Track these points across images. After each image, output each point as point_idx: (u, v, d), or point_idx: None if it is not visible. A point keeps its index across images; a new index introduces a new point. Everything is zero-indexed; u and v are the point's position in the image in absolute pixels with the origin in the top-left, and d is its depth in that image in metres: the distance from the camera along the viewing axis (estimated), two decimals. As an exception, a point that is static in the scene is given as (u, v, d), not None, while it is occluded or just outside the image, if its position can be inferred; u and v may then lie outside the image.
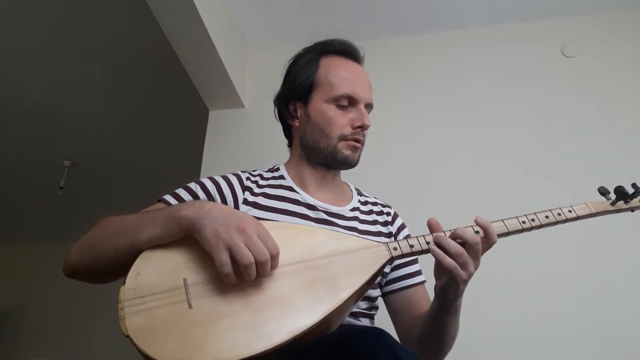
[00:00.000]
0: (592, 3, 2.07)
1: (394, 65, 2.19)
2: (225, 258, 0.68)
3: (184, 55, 1.96)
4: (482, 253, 0.79)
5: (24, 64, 2.56)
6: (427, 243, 0.79)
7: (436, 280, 0.83)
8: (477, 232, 0.79)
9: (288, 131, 1.13)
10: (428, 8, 2.12)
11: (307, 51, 1.09)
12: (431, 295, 0.89)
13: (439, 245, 0.77)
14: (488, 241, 0.79)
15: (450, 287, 0.79)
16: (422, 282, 1.07)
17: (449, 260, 0.75)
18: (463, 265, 0.76)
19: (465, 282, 0.78)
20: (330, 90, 1.02)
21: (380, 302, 1.06)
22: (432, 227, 0.81)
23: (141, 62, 2.54)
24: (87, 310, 4.15)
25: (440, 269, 0.79)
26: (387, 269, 1.04)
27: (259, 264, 0.69)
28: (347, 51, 1.08)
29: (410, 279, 1.05)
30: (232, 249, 0.68)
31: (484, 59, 2.13)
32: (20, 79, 2.67)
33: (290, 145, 1.15)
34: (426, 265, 1.10)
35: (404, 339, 1.00)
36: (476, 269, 0.78)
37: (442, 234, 0.79)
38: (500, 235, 0.82)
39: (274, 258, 0.71)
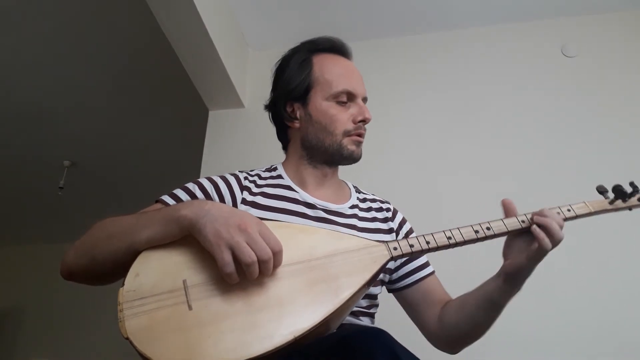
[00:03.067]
0: (592, 3, 2.07)
1: (394, 65, 2.19)
2: (227, 257, 0.68)
3: (184, 55, 1.96)
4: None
5: (23, 64, 2.56)
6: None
7: (508, 260, 0.85)
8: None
9: (283, 134, 1.13)
10: (428, 8, 2.12)
11: (295, 52, 1.09)
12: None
13: (536, 221, 0.81)
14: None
15: (529, 264, 0.82)
16: (433, 272, 1.08)
17: (560, 234, 0.80)
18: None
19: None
20: (328, 87, 1.02)
21: (380, 300, 1.06)
22: (507, 207, 0.86)
23: (141, 62, 2.54)
24: (87, 311, 4.15)
25: (517, 247, 0.84)
26: (391, 266, 1.04)
27: (261, 262, 0.69)
28: (337, 48, 1.09)
29: (423, 271, 1.06)
30: (234, 248, 0.68)
31: (484, 59, 2.13)
32: (20, 79, 2.67)
33: (285, 147, 1.15)
34: (433, 258, 1.10)
35: (435, 326, 1.00)
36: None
37: (547, 209, 0.83)
38: (499, 235, 0.84)
39: (277, 255, 0.71)
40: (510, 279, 0.85)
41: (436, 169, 1.94)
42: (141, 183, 3.73)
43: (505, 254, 0.87)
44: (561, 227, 0.81)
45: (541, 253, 0.80)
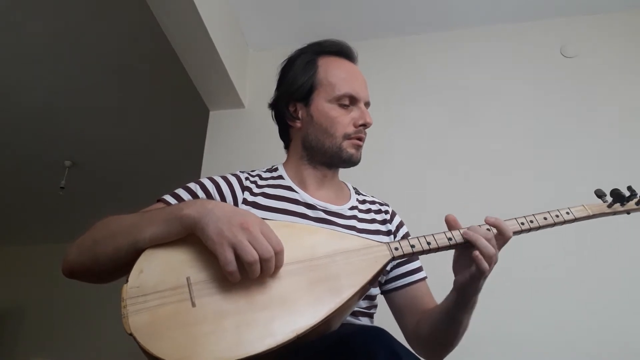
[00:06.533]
0: (592, 3, 2.07)
1: (394, 65, 2.20)
2: (229, 256, 0.68)
3: (184, 55, 1.96)
4: (499, 249, 0.82)
5: (24, 64, 2.56)
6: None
7: (456, 275, 0.84)
8: (488, 230, 0.82)
9: (285, 133, 1.14)
10: (428, 8, 2.12)
11: (301, 52, 1.10)
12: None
13: (468, 236, 0.79)
14: (503, 237, 0.82)
15: (472, 281, 0.80)
16: (424, 278, 1.08)
17: (492, 251, 0.77)
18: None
19: (486, 276, 0.80)
20: (331, 90, 1.03)
21: (379, 300, 1.06)
22: (450, 223, 0.84)
23: (141, 62, 2.54)
24: (88, 310, 4.16)
25: (462, 264, 0.82)
26: (388, 267, 1.04)
27: (263, 261, 0.69)
28: (343, 51, 1.10)
29: (413, 276, 1.06)
30: (237, 247, 0.68)
31: (484, 59, 2.13)
32: (21, 79, 2.67)
33: (287, 147, 1.15)
34: (427, 263, 1.11)
35: (412, 334, 1.01)
36: (494, 264, 0.80)
37: (476, 226, 0.81)
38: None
39: (278, 255, 0.71)
40: (460, 294, 0.85)
41: (436, 170, 1.94)
42: (142, 183, 3.73)
43: (454, 269, 0.85)
44: (499, 244, 0.80)
45: (480, 271, 0.78)
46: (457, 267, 0.84)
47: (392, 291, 1.06)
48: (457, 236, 0.82)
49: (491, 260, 0.78)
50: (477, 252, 0.77)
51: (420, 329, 0.98)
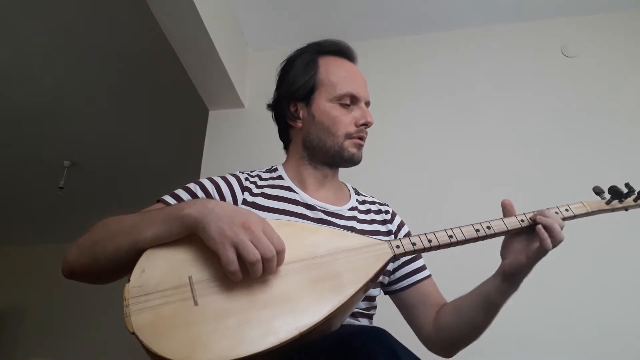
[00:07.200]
0: (592, 3, 2.08)
1: (394, 65, 2.20)
2: (231, 256, 0.68)
3: (184, 55, 1.96)
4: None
5: (24, 64, 2.56)
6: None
7: (508, 260, 0.86)
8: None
9: (285, 133, 1.14)
10: (428, 8, 2.12)
11: (301, 53, 1.10)
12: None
13: (539, 221, 0.82)
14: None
15: (529, 265, 0.83)
16: (430, 276, 1.09)
17: (561, 235, 0.81)
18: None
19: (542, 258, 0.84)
20: (332, 89, 1.04)
21: (378, 301, 1.06)
22: (507, 207, 0.87)
23: (141, 62, 2.54)
24: (88, 311, 4.16)
25: (516, 247, 0.85)
26: (390, 268, 1.04)
27: (265, 260, 0.69)
28: (343, 51, 1.10)
29: (420, 274, 1.07)
30: (238, 247, 0.68)
31: (484, 59, 2.13)
32: (21, 78, 2.67)
33: (286, 147, 1.15)
34: (430, 261, 1.11)
35: (430, 329, 1.01)
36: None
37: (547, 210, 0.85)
38: (500, 234, 0.86)
39: (280, 254, 0.71)
40: (510, 279, 0.86)
41: (436, 169, 1.94)
42: (141, 183, 3.73)
43: (504, 254, 0.88)
44: (562, 227, 0.82)
45: (541, 253, 0.82)
46: (508, 250, 0.87)
47: (400, 291, 1.06)
48: (458, 234, 0.83)
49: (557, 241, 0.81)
50: (541, 228, 0.81)
51: (443, 322, 0.98)
